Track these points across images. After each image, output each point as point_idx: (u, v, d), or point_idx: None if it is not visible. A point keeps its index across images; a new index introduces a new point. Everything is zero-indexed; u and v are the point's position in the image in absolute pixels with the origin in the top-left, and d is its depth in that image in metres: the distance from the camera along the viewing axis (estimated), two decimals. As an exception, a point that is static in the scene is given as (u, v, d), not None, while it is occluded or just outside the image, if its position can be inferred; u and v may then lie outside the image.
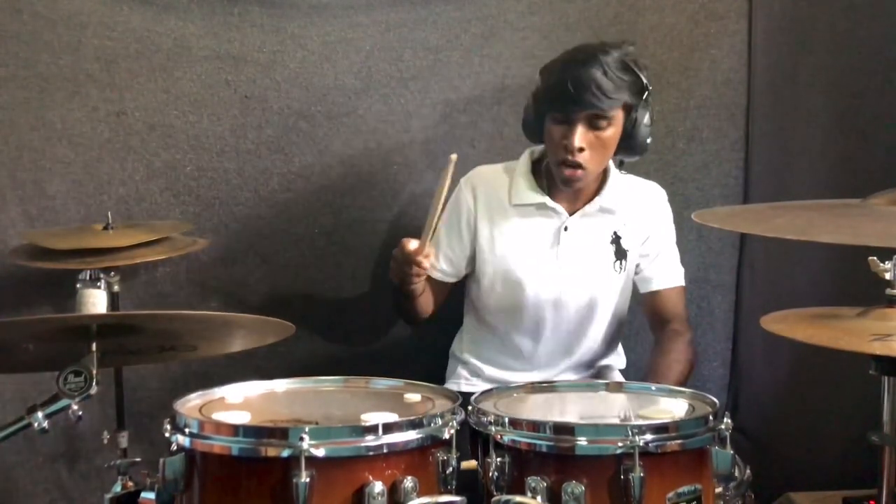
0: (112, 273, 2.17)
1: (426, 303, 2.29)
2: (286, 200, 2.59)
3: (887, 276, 1.54)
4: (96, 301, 1.80)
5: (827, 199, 1.74)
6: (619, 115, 2.08)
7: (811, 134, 2.46)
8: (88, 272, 1.85)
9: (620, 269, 2.24)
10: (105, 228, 2.21)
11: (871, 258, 1.54)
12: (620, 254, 2.24)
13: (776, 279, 2.62)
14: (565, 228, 2.22)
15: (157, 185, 2.52)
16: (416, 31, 2.61)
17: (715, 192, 2.73)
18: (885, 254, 1.53)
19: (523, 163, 2.26)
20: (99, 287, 1.81)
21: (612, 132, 2.08)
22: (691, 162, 2.74)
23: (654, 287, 2.29)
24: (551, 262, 2.22)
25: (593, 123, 2.06)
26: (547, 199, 2.21)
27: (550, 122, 2.10)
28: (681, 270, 2.33)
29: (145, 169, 2.51)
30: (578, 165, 2.08)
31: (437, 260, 2.27)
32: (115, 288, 2.21)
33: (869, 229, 1.50)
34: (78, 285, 1.82)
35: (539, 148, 2.26)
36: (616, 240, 2.23)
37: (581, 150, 2.06)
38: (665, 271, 2.29)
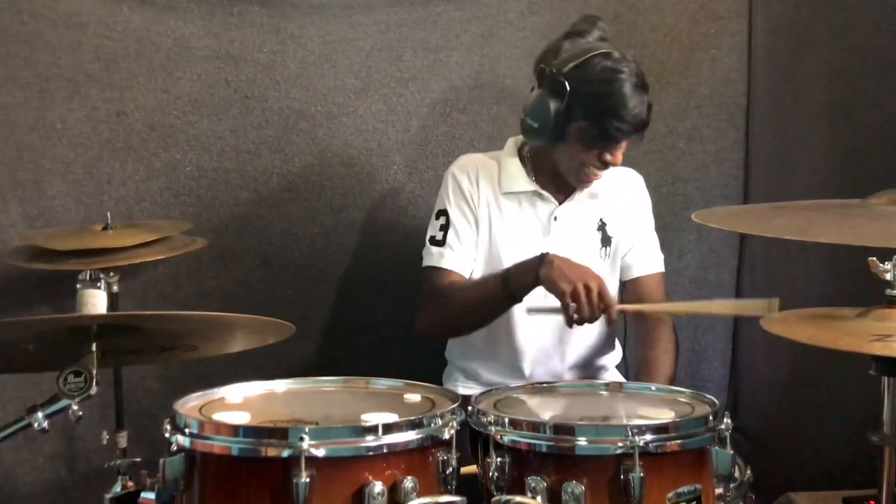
0: (112, 273, 2.17)
1: None
2: (286, 200, 2.59)
3: (887, 276, 1.53)
4: (96, 301, 1.79)
5: (827, 199, 1.74)
6: None
7: (811, 134, 2.46)
8: (88, 272, 1.84)
9: (605, 255, 2.22)
10: (105, 229, 2.21)
11: (871, 258, 1.54)
12: (606, 240, 2.22)
13: (776, 279, 2.62)
14: (555, 218, 2.20)
15: (157, 185, 2.52)
16: (416, 31, 2.61)
17: (715, 192, 2.73)
18: (885, 254, 1.53)
19: (509, 151, 2.22)
20: (99, 287, 1.81)
21: None
22: (691, 162, 2.74)
23: (636, 274, 2.26)
24: (541, 252, 2.16)
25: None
26: (538, 188, 2.19)
27: (587, 138, 2.04)
28: (660, 256, 2.31)
29: (145, 169, 2.51)
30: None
31: (472, 248, 2.21)
32: (115, 288, 2.21)
33: (869, 229, 1.50)
34: (78, 286, 1.81)
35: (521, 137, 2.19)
36: (602, 226, 2.22)
37: None
38: (645, 257, 2.27)
